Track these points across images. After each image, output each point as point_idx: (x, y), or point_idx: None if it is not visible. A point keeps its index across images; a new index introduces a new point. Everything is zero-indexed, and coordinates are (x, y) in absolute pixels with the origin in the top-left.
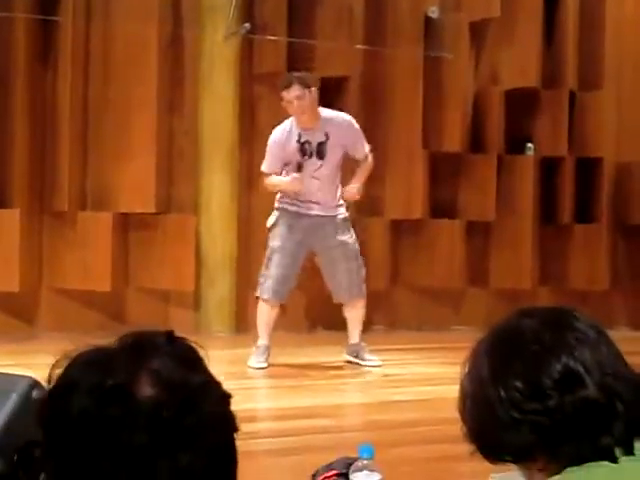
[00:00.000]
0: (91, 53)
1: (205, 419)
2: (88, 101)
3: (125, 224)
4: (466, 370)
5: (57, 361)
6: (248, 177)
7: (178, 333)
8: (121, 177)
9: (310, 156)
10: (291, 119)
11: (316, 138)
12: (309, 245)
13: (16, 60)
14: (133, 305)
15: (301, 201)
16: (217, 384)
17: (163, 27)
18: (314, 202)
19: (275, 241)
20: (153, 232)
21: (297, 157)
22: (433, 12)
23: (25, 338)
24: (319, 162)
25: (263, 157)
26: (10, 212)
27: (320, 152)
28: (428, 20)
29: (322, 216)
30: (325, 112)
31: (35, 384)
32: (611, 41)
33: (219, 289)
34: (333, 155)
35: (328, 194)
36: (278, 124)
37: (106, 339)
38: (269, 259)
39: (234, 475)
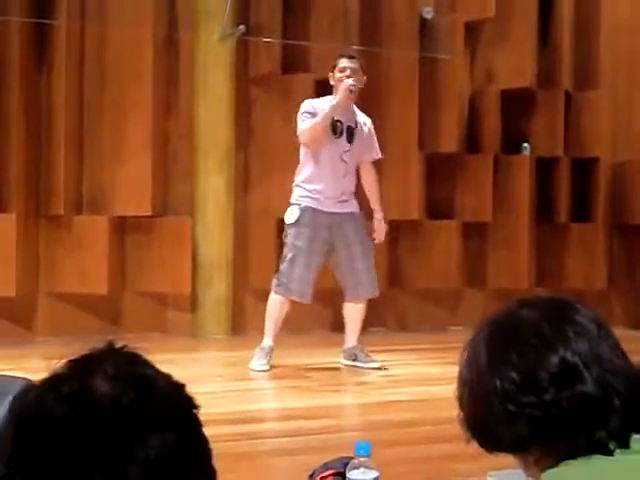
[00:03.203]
0: (86, 56)
1: (163, 399)
2: (83, 104)
3: (121, 227)
4: (465, 357)
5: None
6: (244, 179)
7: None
8: (117, 180)
9: (340, 135)
10: (328, 98)
11: (347, 121)
12: (331, 243)
13: (11, 63)
14: (130, 308)
15: (322, 197)
16: (166, 375)
17: (158, 29)
18: (335, 198)
19: (299, 240)
20: (149, 235)
21: (329, 134)
22: (428, 13)
23: (22, 342)
24: (347, 145)
25: (259, 158)
26: (6, 217)
27: (350, 135)
28: (423, 21)
29: (342, 213)
30: (355, 107)
31: (31, 387)
32: (606, 41)
33: (216, 291)
34: (358, 144)
35: (350, 185)
36: (274, 126)
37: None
38: (294, 259)
39: (208, 454)
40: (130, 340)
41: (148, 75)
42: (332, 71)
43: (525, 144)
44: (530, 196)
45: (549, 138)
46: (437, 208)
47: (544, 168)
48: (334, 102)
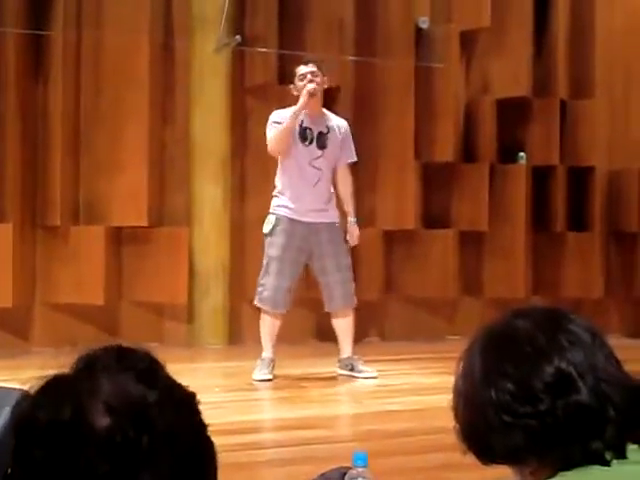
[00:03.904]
0: (82, 65)
1: (162, 436)
2: (80, 113)
3: (118, 237)
4: (460, 368)
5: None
6: (240, 188)
7: (134, 344)
8: (113, 190)
9: (310, 142)
10: (292, 108)
11: (318, 127)
12: (307, 252)
13: (7, 73)
14: (127, 318)
15: (296, 207)
16: (176, 388)
17: (154, 38)
18: (309, 206)
19: (273, 249)
20: (146, 245)
21: (297, 141)
22: (423, 22)
23: (19, 353)
24: (319, 151)
25: (255, 168)
26: (3, 227)
27: (320, 141)
28: (419, 30)
29: (317, 223)
30: (326, 112)
31: (28, 397)
32: (602, 49)
33: (212, 301)
34: (332, 149)
35: (325, 191)
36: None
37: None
38: (267, 268)
39: (212, 474)
40: None
41: (144, 84)
42: (293, 82)
43: (521, 153)
44: (526, 205)
45: (545, 147)
46: (433, 217)
47: (540, 177)
48: (296, 107)
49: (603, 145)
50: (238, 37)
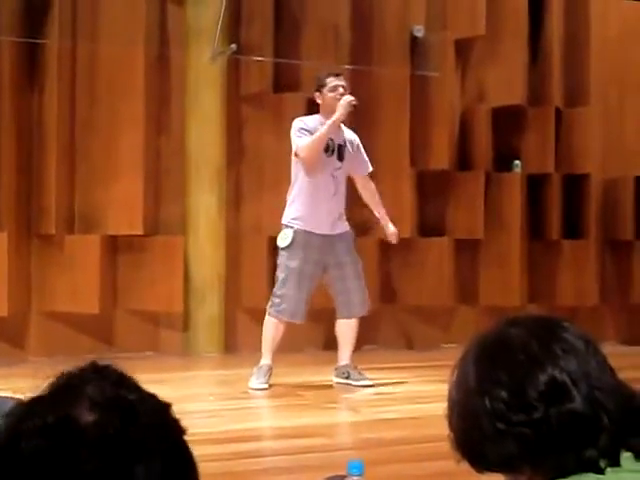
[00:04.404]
0: (77, 74)
1: (149, 427)
2: (75, 122)
3: (113, 246)
4: (454, 377)
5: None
6: (235, 197)
7: (103, 361)
8: (108, 199)
9: (332, 153)
10: (317, 117)
11: (338, 139)
12: (324, 263)
13: (2, 83)
14: (122, 327)
15: (313, 218)
16: (152, 396)
17: (149, 48)
18: (326, 217)
19: (293, 262)
20: (141, 254)
21: (321, 152)
22: (418, 31)
23: (15, 362)
24: (339, 163)
25: (250, 177)
26: None
27: (340, 153)
28: (414, 39)
29: (333, 235)
30: (341, 125)
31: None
32: (596, 57)
33: (208, 310)
34: (348, 162)
35: (341, 202)
36: (265, 144)
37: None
38: (286, 280)
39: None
40: (122, 359)
41: (139, 93)
42: (319, 90)
43: (516, 161)
44: (521, 213)
45: (540, 155)
46: (428, 225)
47: (535, 185)
48: (334, 118)
49: (598, 153)
50: (233, 46)
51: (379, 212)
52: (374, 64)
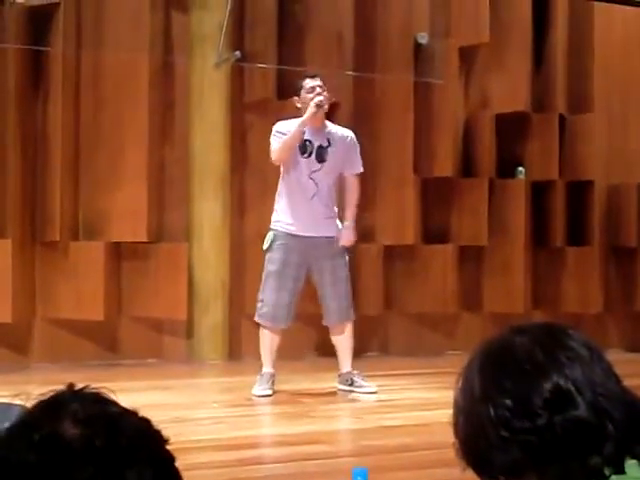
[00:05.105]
0: (82, 82)
1: (134, 437)
2: (79, 130)
3: (117, 253)
4: (459, 385)
5: None
6: (239, 204)
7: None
8: (113, 206)
9: (309, 155)
10: (296, 120)
11: (318, 140)
12: (306, 266)
13: (7, 90)
14: (126, 334)
15: (295, 221)
16: (132, 412)
17: (153, 55)
18: (308, 219)
19: (272, 264)
20: (145, 261)
21: (296, 153)
22: (422, 38)
23: (19, 369)
24: (318, 164)
25: (254, 184)
26: (2, 243)
27: (320, 155)
28: (418, 46)
29: (316, 237)
30: (330, 124)
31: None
32: (600, 64)
33: (212, 317)
34: (332, 163)
35: (322, 206)
36: (268, 151)
37: (99, 368)
38: (266, 283)
39: None
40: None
41: (144, 101)
42: (297, 95)
43: (520, 168)
44: (525, 220)
45: (544, 162)
46: (432, 232)
47: (539, 192)
48: (303, 118)
49: (602, 159)
50: (237, 53)
51: (347, 214)
52: (378, 71)
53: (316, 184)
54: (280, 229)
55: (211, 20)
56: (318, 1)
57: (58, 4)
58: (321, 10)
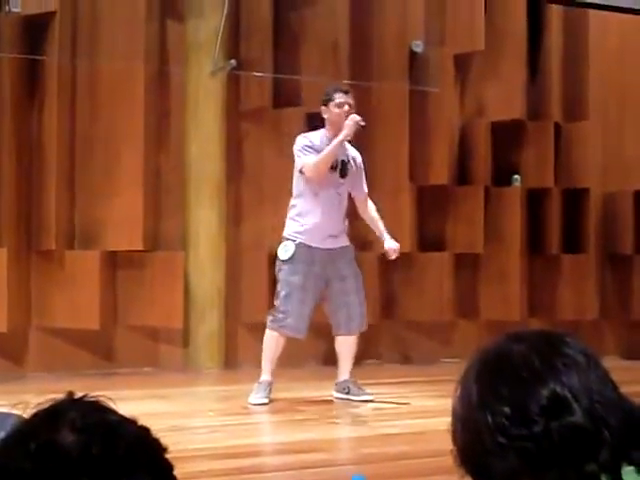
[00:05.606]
0: (77, 91)
1: (132, 445)
2: (75, 139)
3: (113, 262)
4: (457, 393)
5: None
6: (235, 212)
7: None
8: (109, 214)
9: (335, 169)
10: (322, 132)
11: (341, 156)
12: (326, 277)
13: (2, 99)
14: (122, 343)
15: (316, 232)
16: (131, 420)
17: (149, 64)
18: (328, 232)
19: (294, 277)
20: (141, 269)
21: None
22: (418, 46)
23: (14, 378)
24: (341, 180)
25: (250, 192)
26: None
27: (343, 170)
28: (413, 54)
29: (334, 249)
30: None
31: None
32: (595, 72)
33: (208, 325)
34: (350, 179)
35: (343, 218)
36: (265, 159)
37: (95, 377)
38: (289, 295)
39: None
40: (122, 375)
41: (139, 109)
42: (325, 104)
43: (516, 175)
44: (521, 227)
45: (539, 169)
46: (428, 240)
47: (535, 199)
48: (340, 137)
49: (597, 167)
50: (233, 61)
51: (378, 230)
52: (373, 79)
53: (341, 198)
54: (301, 241)
55: (207, 28)
56: (314, 9)
57: (54, 13)
58: (317, 18)
